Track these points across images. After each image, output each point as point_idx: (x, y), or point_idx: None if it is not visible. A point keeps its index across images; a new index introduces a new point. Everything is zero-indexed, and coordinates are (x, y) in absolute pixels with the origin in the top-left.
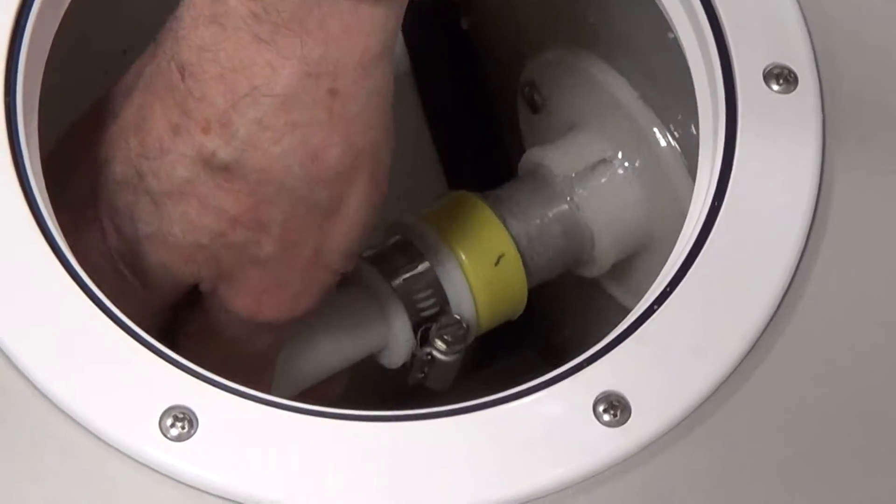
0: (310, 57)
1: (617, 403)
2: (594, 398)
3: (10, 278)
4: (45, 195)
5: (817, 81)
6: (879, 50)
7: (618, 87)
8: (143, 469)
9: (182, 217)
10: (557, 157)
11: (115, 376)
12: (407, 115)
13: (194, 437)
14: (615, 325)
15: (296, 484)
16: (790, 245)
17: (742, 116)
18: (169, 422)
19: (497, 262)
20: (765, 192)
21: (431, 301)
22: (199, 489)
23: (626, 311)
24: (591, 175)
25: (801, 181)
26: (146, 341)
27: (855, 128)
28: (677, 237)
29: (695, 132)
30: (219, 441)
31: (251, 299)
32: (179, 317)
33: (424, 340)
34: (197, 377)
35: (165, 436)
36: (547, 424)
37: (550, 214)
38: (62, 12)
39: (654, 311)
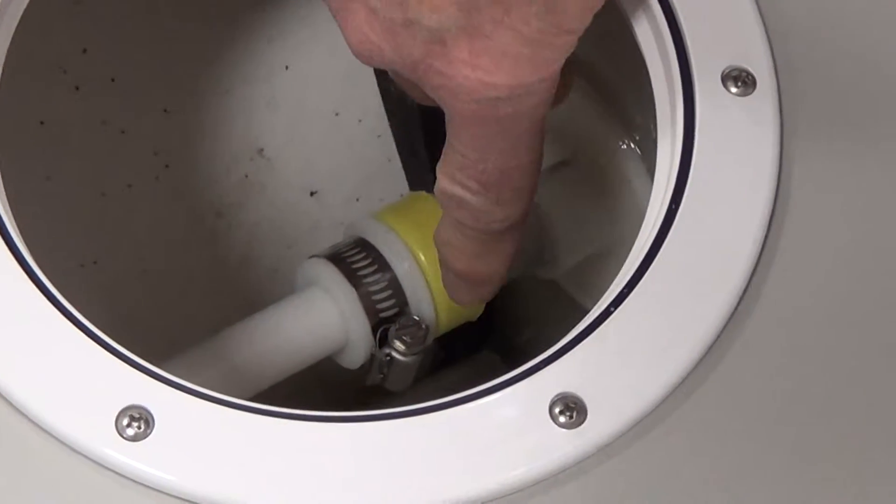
0: None
1: (573, 405)
2: (550, 400)
3: None
4: None
5: (776, 84)
6: (838, 53)
7: (576, 90)
8: (98, 469)
9: None
10: None
11: (71, 375)
12: (368, 117)
13: (151, 437)
14: (572, 327)
15: (252, 484)
16: (748, 246)
17: (700, 119)
18: (125, 421)
19: None
20: (723, 193)
21: (391, 302)
22: (155, 489)
23: (586, 312)
24: (550, 177)
25: (759, 183)
26: (102, 340)
27: (813, 130)
28: (635, 240)
29: (654, 134)
30: (175, 441)
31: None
32: None
33: (383, 341)
34: (154, 377)
35: (121, 436)
36: (503, 426)
37: None
38: (21, 10)
39: (611, 313)
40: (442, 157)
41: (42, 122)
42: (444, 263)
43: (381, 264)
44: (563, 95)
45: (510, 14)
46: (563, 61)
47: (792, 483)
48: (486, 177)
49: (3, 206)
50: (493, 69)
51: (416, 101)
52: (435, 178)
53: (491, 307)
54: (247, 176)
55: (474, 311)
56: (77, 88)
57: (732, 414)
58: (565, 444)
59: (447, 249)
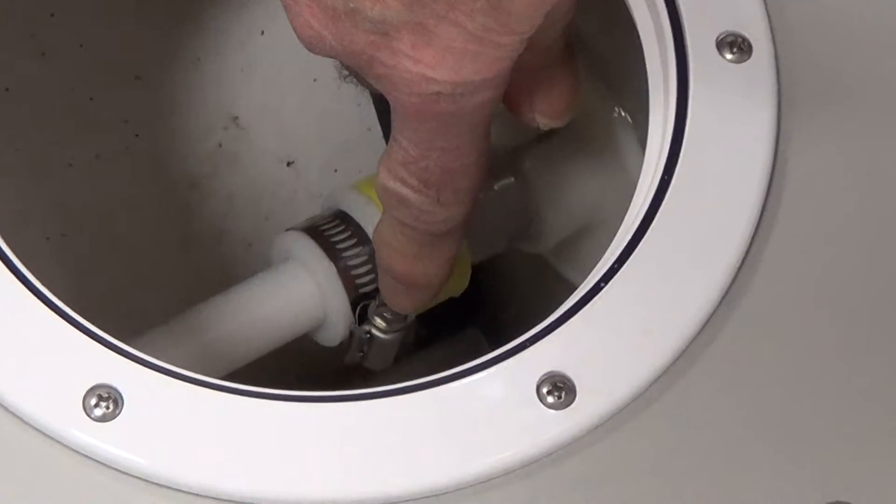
0: None
1: (561, 385)
2: (538, 379)
3: None
4: None
5: (772, 50)
6: (837, 18)
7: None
8: (65, 451)
9: None
10: (504, 128)
11: (36, 353)
12: (348, 84)
13: (119, 418)
14: (561, 303)
15: (226, 467)
16: (744, 219)
17: (694, 86)
18: (93, 401)
19: None
20: (717, 164)
21: (371, 276)
22: (124, 472)
23: (574, 288)
24: (536, 146)
25: (755, 152)
26: (69, 316)
27: (811, 98)
28: (626, 213)
29: (645, 102)
30: (145, 421)
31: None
32: None
33: (363, 318)
34: (123, 355)
35: (89, 416)
36: (489, 406)
37: (495, 187)
38: None
39: (600, 289)
40: (385, 150)
41: (7, 89)
42: (382, 265)
43: (361, 237)
44: (564, 114)
45: (454, 9)
46: (511, 61)
47: (787, 467)
48: (427, 175)
49: None
50: (435, 64)
51: (364, 88)
52: None
53: (476, 283)
54: (221, 145)
55: (458, 286)
56: (44, 54)
57: (727, 395)
58: (553, 426)
59: (386, 250)
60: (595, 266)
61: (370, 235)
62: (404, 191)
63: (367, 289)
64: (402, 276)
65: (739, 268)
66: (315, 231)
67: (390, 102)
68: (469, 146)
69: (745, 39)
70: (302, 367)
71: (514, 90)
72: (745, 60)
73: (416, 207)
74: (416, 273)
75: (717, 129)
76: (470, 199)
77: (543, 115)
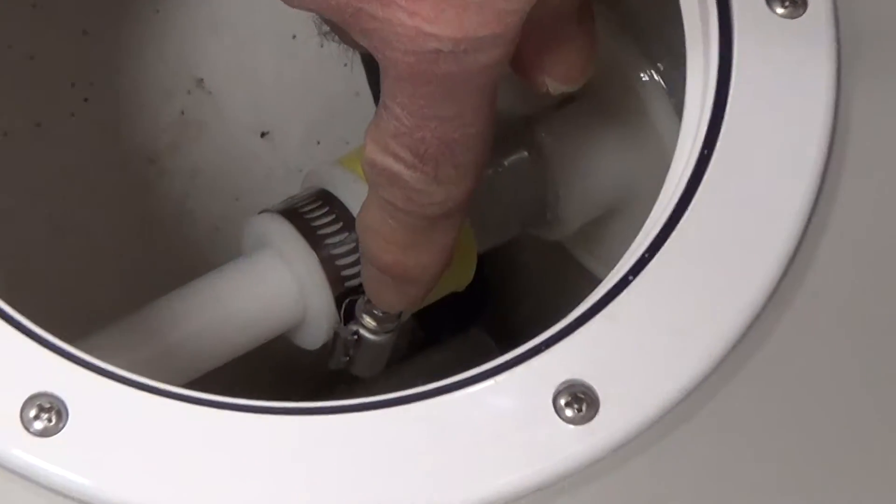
0: None
1: (582, 395)
2: (555, 389)
3: None
4: None
5: (831, 3)
6: None
7: None
8: None
9: None
10: (514, 93)
11: None
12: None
13: (63, 432)
14: (582, 300)
15: (184, 489)
16: (797, 200)
17: (739, 45)
18: (32, 413)
19: None
20: (766, 135)
21: (359, 267)
22: (67, 495)
23: (597, 282)
24: (555, 115)
25: (810, 121)
26: (4, 313)
27: (875, 57)
28: (658, 193)
29: (682, 62)
30: (93, 437)
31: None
32: None
33: (349, 316)
34: (68, 358)
35: (28, 430)
36: (497, 420)
37: (505, 163)
38: None
39: (628, 283)
40: (373, 120)
41: None
42: (366, 255)
43: (348, 221)
44: (578, 77)
45: None
46: (523, 14)
47: (842, 494)
48: (423, 148)
49: None
50: (435, 16)
51: (348, 46)
52: None
53: (482, 275)
54: (183, 113)
55: (461, 279)
56: None
57: (776, 410)
58: (572, 443)
59: (371, 237)
60: (622, 256)
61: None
62: (396, 167)
63: (355, 282)
64: (391, 267)
65: (792, 258)
66: (294, 213)
67: (380, 63)
68: (473, 114)
69: None
70: (277, 374)
71: (521, 48)
72: (798, 15)
73: (409, 186)
74: (408, 264)
75: (766, 95)
76: (473, 175)
77: (556, 78)
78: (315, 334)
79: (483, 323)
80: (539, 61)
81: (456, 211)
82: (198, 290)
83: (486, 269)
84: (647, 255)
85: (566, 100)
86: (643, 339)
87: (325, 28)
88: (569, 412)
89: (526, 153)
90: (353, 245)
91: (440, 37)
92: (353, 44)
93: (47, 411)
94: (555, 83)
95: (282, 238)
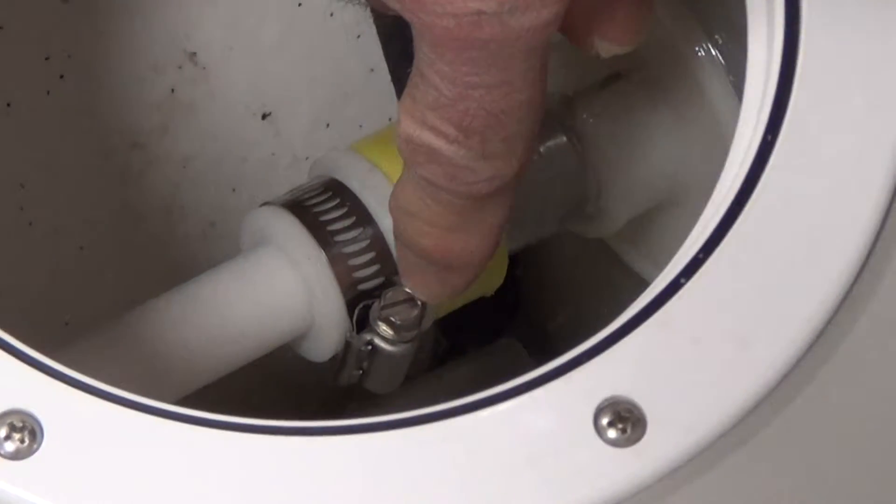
0: None
1: (627, 415)
2: (596, 406)
3: None
4: None
5: None
6: None
7: None
8: None
9: None
10: (552, 69)
11: None
12: (343, 9)
13: (37, 454)
14: (628, 305)
15: None
16: (874, 192)
17: (808, 11)
18: (3, 432)
19: None
20: (838, 117)
21: (374, 268)
22: None
23: (644, 286)
24: (598, 95)
25: (890, 102)
26: None
27: None
28: (715, 184)
29: (743, 33)
30: (70, 459)
31: None
32: None
33: (363, 324)
34: (43, 371)
35: None
36: (530, 442)
37: (541, 149)
38: None
39: (680, 286)
40: (406, 90)
41: None
42: (402, 239)
43: (361, 215)
44: (633, 37)
45: None
46: None
47: None
48: (468, 120)
49: None
50: None
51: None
52: None
53: (514, 278)
54: (173, 91)
55: (491, 282)
56: None
57: (849, 429)
58: (615, 468)
59: (408, 220)
60: (673, 256)
61: (373, 213)
62: (437, 142)
63: (369, 284)
64: (435, 253)
65: (866, 260)
66: (300, 206)
67: (414, 28)
68: (522, 80)
69: None
70: (280, 390)
71: (570, 6)
72: None
73: (452, 164)
74: (454, 248)
75: (840, 71)
76: (523, 148)
77: (606, 38)
78: (324, 344)
79: (515, 331)
80: (590, 20)
81: (506, 189)
82: (190, 293)
83: (518, 271)
84: (701, 256)
85: (610, 77)
86: (696, 352)
87: None
88: (612, 433)
89: (564, 138)
90: (367, 242)
91: None
92: (376, 4)
93: (20, 431)
94: (606, 44)
95: (286, 234)
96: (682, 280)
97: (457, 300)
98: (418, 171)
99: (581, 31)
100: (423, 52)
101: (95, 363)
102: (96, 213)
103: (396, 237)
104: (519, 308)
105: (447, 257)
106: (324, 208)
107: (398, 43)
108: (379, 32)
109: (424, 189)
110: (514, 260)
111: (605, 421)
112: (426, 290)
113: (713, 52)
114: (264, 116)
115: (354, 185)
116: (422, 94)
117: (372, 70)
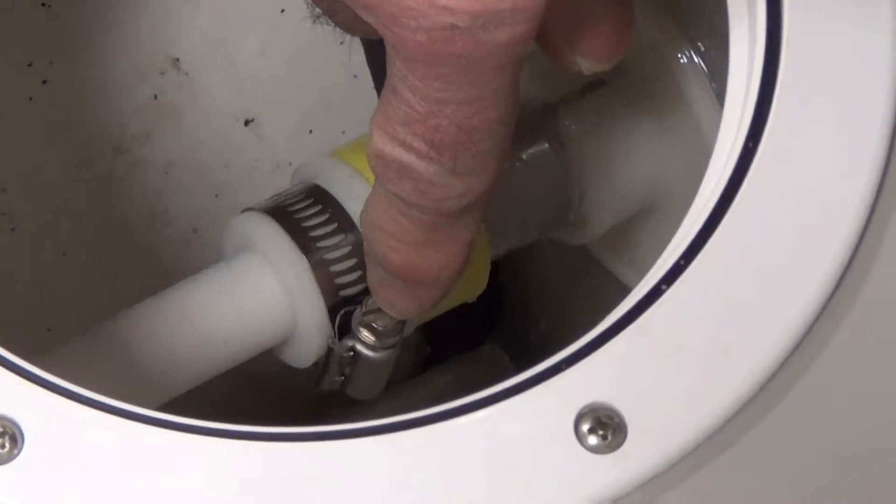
0: None
1: (607, 421)
2: (576, 413)
3: None
4: None
5: None
6: None
7: None
8: None
9: None
10: (534, 77)
11: None
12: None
13: (17, 460)
14: (609, 312)
15: None
16: (855, 198)
17: (789, 18)
18: None
19: None
20: (821, 122)
21: (355, 274)
22: None
23: (626, 292)
24: (580, 101)
25: (870, 109)
26: None
27: None
28: (697, 191)
29: (724, 40)
30: (51, 465)
31: None
32: None
33: (345, 330)
34: (24, 377)
35: None
36: (511, 448)
37: (523, 156)
38: None
39: (661, 293)
40: (378, 106)
41: None
42: (373, 255)
43: (343, 222)
44: (613, 55)
45: None
46: None
47: None
48: (439, 135)
49: None
50: None
51: (344, 31)
52: None
53: (496, 284)
54: (156, 97)
55: (473, 289)
56: None
57: (830, 438)
58: (596, 475)
59: (380, 236)
60: (655, 262)
61: (355, 219)
62: (408, 158)
63: (351, 291)
64: (403, 269)
65: (846, 269)
66: (282, 212)
67: (387, 42)
68: (494, 96)
69: None
70: (263, 395)
71: (550, 24)
72: None
73: (423, 179)
74: (422, 266)
75: (821, 77)
76: (494, 165)
77: (588, 56)
78: (306, 350)
79: (497, 338)
80: (570, 38)
81: (475, 205)
82: (172, 299)
83: (501, 277)
84: (682, 262)
85: (593, 85)
86: (677, 358)
87: (318, 11)
88: (592, 440)
89: (547, 145)
90: (348, 249)
91: (455, 10)
92: (350, 26)
93: (1, 437)
94: (587, 62)
95: (268, 240)
96: (664, 287)
97: (438, 307)
98: (389, 187)
99: (562, 49)
100: (395, 67)
101: (77, 369)
102: (79, 219)
103: (366, 252)
104: (501, 315)
105: (416, 273)
106: (306, 214)
107: (381, 50)
108: (362, 41)
109: (395, 205)
110: (497, 266)
111: (585, 427)
112: (395, 306)
113: (696, 60)
114: (247, 122)
115: (336, 192)
116: (393, 110)
117: (355, 76)
